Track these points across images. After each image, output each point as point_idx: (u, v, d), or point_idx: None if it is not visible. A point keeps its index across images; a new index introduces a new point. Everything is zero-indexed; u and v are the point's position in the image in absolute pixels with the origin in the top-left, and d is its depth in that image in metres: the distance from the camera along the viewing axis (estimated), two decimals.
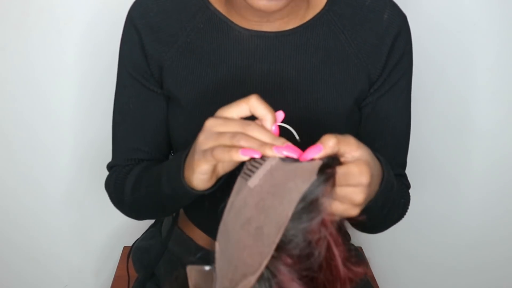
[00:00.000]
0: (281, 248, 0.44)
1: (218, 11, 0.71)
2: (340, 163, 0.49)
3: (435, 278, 1.36)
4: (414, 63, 0.77)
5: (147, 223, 0.97)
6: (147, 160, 0.77)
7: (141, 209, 0.74)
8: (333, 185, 0.47)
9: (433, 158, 1.22)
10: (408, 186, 0.80)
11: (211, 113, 0.69)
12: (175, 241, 0.85)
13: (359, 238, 1.25)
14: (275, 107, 0.69)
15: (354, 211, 0.49)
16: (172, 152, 0.81)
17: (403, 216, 0.77)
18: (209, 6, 0.71)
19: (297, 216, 0.44)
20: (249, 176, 0.47)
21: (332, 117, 0.70)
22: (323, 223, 0.44)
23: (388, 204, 0.59)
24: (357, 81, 0.71)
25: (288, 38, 0.70)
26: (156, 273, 0.86)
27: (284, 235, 0.44)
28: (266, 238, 0.44)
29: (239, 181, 0.48)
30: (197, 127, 0.70)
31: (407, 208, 0.78)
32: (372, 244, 1.27)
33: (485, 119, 1.18)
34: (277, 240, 0.43)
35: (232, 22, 0.70)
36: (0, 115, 1.13)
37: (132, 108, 0.76)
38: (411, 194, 0.81)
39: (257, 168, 0.47)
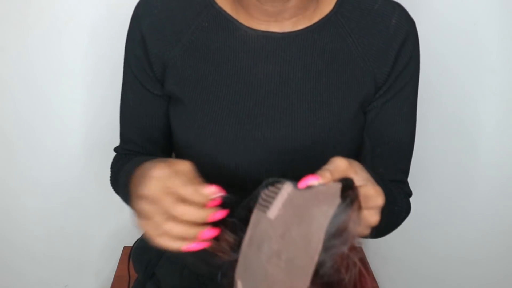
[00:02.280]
0: (313, 277, 0.43)
1: (224, 10, 0.71)
2: (353, 183, 0.48)
3: (435, 277, 1.36)
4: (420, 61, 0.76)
5: None
6: (140, 154, 0.79)
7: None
8: (359, 206, 0.46)
9: (434, 157, 1.22)
10: (409, 193, 0.79)
11: (214, 112, 0.69)
12: None
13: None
14: (279, 108, 0.69)
15: (366, 231, 0.50)
16: (174, 150, 0.82)
17: (399, 224, 0.76)
18: (214, 5, 0.71)
19: (327, 242, 0.43)
20: (266, 207, 0.45)
21: (336, 120, 0.69)
22: (352, 246, 0.44)
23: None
24: (363, 85, 0.70)
25: (294, 39, 0.69)
26: (156, 273, 0.86)
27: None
28: (299, 270, 0.42)
29: (255, 213, 0.46)
30: (199, 127, 0.70)
31: (405, 215, 0.76)
32: (372, 244, 1.27)
33: (489, 116, 1.18)
34: (311, 271, 0.42)
35: (237, 21, 0.70)
36: (0, 115, 1.13)
37: (132, 104, 0.77)
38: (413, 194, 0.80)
39: (273, 198, 0.46)
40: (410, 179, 0.81)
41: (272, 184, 0.47)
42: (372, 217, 0.49)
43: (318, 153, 0.69)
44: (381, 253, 1.26)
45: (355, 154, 0.74)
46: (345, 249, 0.43)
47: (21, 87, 1.10)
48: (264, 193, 0.47)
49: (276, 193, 0.46)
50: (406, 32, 0.70)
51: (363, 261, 0.45)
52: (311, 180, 0.46)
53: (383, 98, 0.72)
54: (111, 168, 0.81)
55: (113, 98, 0.86)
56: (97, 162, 1.18)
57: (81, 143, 1.17)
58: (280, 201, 0.45)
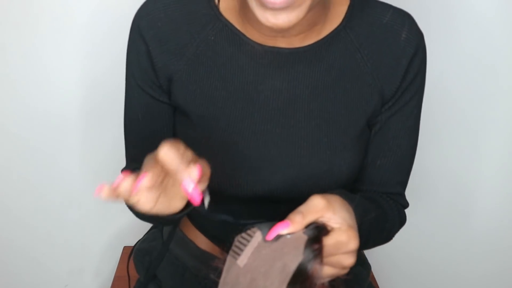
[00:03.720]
0: None
1: (230, 23, 0.68)
2: (325, 229, 0.48)
3: (435, 277, 1.36)
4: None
5: (147, 224, 0.97)
6: None
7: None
8: (321, 260, 0.47)
9: (434, 160, 1.22)
10: (404, 205, 0.78)
11: (220, 129, 0.68)
12: (177, 243, 0.85)
13: None
14: (286, 126, 0.68)
15: (343, 272, 0.51)
16: None
17: (392, 237, 0.76)
18: (220, 18, 0.68)
19: None
20: (238, 254, 0.47)
21: (343, 137, 0.68)
22: None
23: (364, 237, 0.58)
24: (371, 102, 0.69)
25: (303, 55, 0.67)
26: (157, 275, 0.86)
27: None
28: None
29: (229, 259, 0.48)
30: (207, 142, 0.68)
31: (398, 228, 0.77)
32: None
33: (493, 117, 1.18)
34: None
35: (244, 36, 0.67)
36: (1, 114, 1.13)
37: (142, 120, 0.73)
38: (412, 197, 0.80)
39: (244, 245, 0.47)
40: (413, 185, 0.81)
41: (247, 230, 0.48)
42: (346, 260, 0.49)
43: (324, 170, 0.67)
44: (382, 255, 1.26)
45: (358, 169, 0.72)
46: None
47: (21, 87, 1.10)
48: (238, 240, 0.48)
49: (248, 241, 0.47)
50: (415, 47, 0.68)
51: None
52: (280, 229, 0.47)
53: (388, 112, 0.71)
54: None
55: (113, 99, 0.86)
56: (97, 161, 1.18)
57: (82, 143, 1.17)
58: (249, 250, 0.46)
